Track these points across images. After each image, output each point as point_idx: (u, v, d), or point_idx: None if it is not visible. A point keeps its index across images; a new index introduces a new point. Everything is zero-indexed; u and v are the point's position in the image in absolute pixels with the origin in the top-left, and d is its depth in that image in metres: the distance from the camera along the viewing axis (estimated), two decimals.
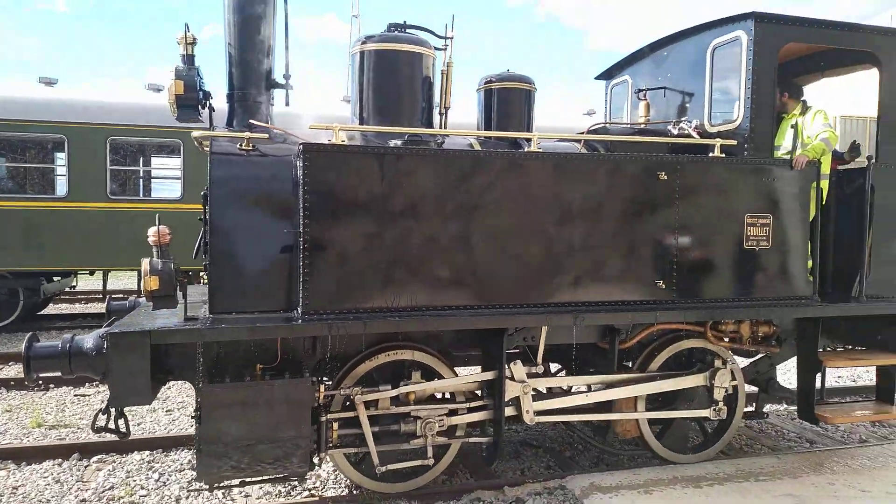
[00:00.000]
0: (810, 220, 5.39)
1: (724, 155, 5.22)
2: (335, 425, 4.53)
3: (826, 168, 5.55)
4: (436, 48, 5.63)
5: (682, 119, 5.88)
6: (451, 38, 5.66)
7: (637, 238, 4.97)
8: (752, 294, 5.24)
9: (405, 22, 5.54)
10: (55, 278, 12.16)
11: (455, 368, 5.12)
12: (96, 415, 4.31)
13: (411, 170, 4.50)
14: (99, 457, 5.81)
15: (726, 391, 5.50)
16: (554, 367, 6.12)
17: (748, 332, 5.54)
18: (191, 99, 4.90)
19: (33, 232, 11.12)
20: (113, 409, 4.34)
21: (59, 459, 5.70)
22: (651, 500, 4.84)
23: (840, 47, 5.72)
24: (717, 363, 5.52)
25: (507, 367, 4.90)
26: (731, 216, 5.17)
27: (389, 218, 4.44)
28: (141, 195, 12.59)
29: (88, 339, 4.10)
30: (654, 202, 5.00)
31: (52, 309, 14.16)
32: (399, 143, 4.92)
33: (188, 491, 5.00)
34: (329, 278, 4.34)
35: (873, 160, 5.56)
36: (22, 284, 11.33)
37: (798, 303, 5.33)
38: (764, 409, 6.44)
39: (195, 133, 4.84)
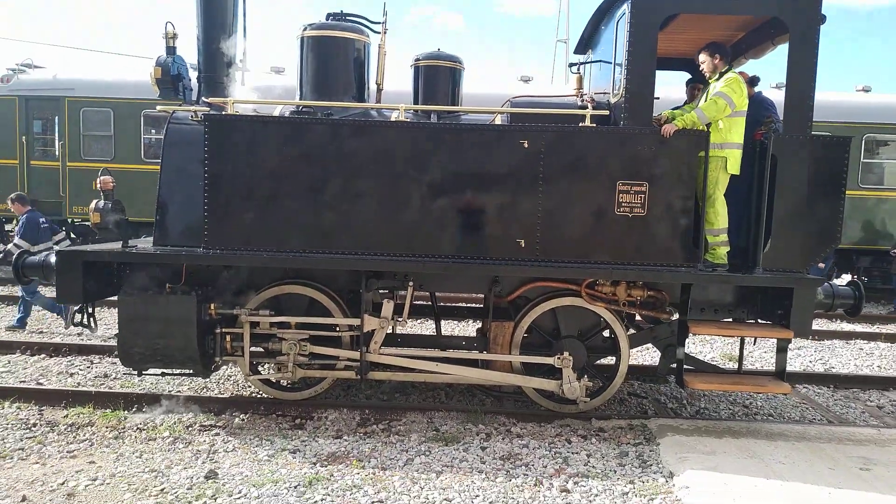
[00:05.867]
0: (701, 189, 5.45)
1: (594, 125, 5.50)
2: (228, 338, 5.75)
3: (732, 137, 5.50)
4: (374, 32, 6.55)
5: (587, 92, 6.15)
6: (384, 22, 6.52)
7: (493, 201, 5.49)
8: (614, 258, 5.49)
9: (342, 11, 6.51)
10: None
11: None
12: (73, 314, 5.98)
13: (277, 136, 5.52)
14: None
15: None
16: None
17: (623, 295, 5.75)
18: (166, 82, 6.38)
19: None
20: (87, 309, 5.97)
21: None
22: (720, 444, 5.22)
23: (738, 15, 5.61)
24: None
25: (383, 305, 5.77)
26: (597, 183, 5.45)
27: (267, 176, 5.51)
28: None
29: (53, 256, 5.74)
30: (517, 168, 5.48)
31: None
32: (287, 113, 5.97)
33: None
34: (222, 221, 5.54)
35: (778, 131, 5.44)
36: None
37: (657, 268, 5.46)
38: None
39: (158, 107, 6.30)
